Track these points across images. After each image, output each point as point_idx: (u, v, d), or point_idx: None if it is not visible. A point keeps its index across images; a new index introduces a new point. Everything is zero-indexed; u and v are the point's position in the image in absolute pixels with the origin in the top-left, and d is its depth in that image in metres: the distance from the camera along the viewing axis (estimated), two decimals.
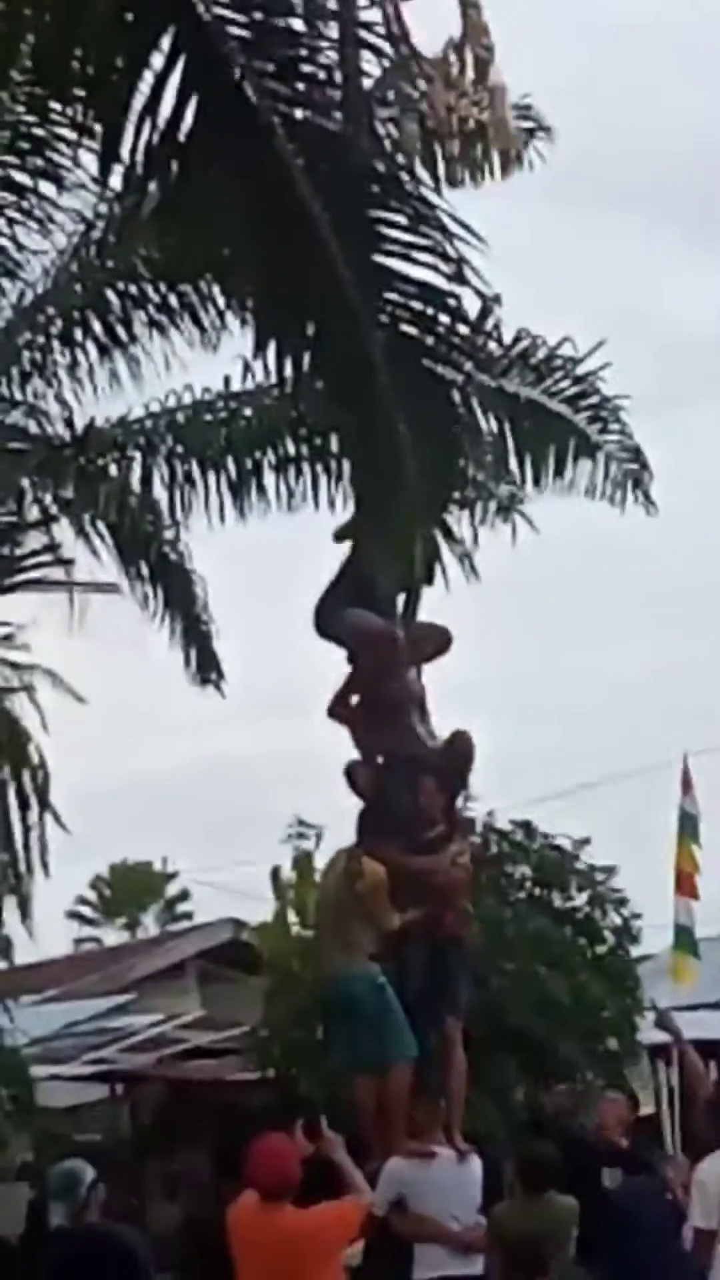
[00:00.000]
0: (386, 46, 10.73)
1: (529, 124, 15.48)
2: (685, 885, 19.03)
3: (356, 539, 13.02)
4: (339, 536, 13.47)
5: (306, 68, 8.59)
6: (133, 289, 15.30)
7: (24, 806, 15.75)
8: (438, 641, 13.24)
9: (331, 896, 12.80)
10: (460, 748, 13.07)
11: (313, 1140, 9.58)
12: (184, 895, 52.72)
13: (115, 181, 8.79)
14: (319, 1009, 15.28)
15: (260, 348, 9.19)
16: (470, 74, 12.77)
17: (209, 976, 25.39)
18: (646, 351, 55.09)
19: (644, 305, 63.64)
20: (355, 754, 13.15)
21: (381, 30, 10.67)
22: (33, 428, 15.56)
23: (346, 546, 13.33)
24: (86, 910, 57.05)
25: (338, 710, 13.18)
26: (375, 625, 12.98)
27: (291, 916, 18.51)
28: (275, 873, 18.74)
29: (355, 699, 13.17)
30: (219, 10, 8.21)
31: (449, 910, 12.69)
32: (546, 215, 55.47)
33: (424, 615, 13.60)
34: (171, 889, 55.23)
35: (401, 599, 13.26)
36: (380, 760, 13.11)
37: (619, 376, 15.42)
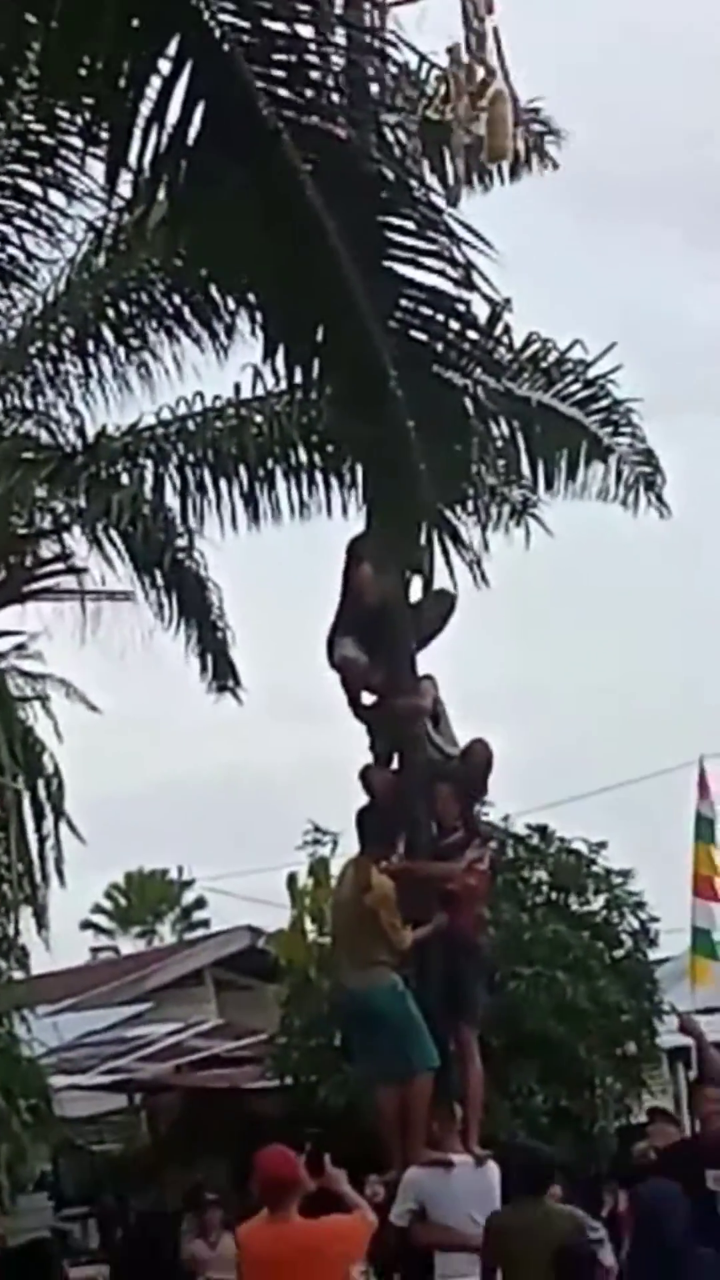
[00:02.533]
0: (394, 52, 10.71)
1: (539, 127, 15.47)
2: (703, 888, 19.06)
3: (351, 558, 12.93)
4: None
5: (314, 74, 8.55)
6: (143, 297, 15.30)
7: (39, 816, 15.68)
8: (442, 607, 13.10)
9: (344, 909, 12.75)
10: (477, 755, 13.01)
11: (315, 1175, 9.57)
12: (200, 903, 52.73)
13: (124, 189, 8.76)
14: (337, 1018, 15.27)
15: (269, 354, 9.17)
16: (480, 78, 12.69)
17: (226, 984, 25.37)
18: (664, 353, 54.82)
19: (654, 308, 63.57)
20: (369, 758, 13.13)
21: (388, 36, 10.66)
22: (44, 437, 15.57)
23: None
24: (103, 920, 57.13)
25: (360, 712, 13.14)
26: (344, 657, 12.90)
27: (308, 923, 18.52)
28: (292, 879, 18.76)
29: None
30: (225, 17, 8.17)
31: (464, 916, 12.65)
32: (552, 218, 55.43)
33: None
34: (187, 897, 55.30)
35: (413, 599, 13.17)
36: (394, 765, 13.07)
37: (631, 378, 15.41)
